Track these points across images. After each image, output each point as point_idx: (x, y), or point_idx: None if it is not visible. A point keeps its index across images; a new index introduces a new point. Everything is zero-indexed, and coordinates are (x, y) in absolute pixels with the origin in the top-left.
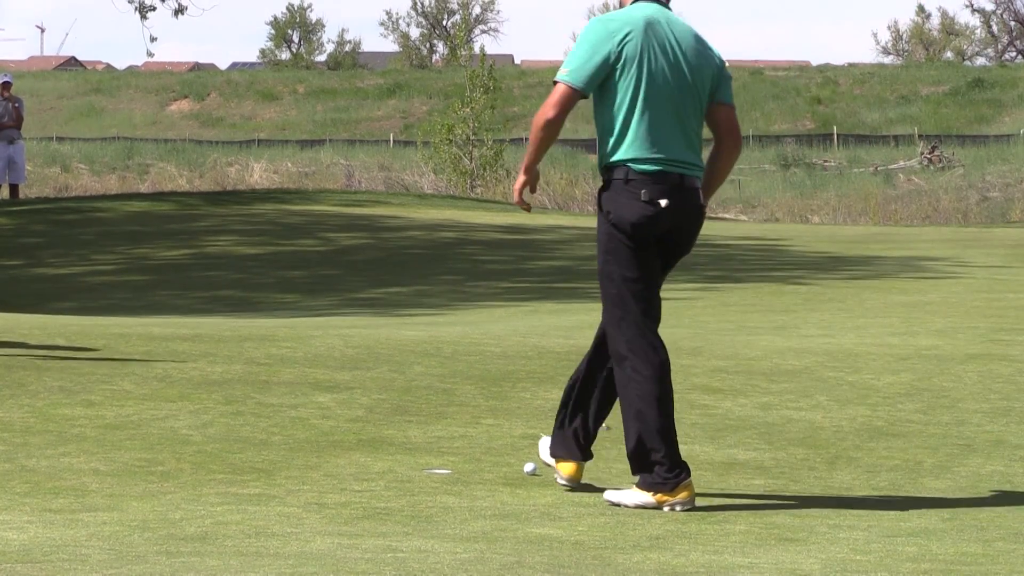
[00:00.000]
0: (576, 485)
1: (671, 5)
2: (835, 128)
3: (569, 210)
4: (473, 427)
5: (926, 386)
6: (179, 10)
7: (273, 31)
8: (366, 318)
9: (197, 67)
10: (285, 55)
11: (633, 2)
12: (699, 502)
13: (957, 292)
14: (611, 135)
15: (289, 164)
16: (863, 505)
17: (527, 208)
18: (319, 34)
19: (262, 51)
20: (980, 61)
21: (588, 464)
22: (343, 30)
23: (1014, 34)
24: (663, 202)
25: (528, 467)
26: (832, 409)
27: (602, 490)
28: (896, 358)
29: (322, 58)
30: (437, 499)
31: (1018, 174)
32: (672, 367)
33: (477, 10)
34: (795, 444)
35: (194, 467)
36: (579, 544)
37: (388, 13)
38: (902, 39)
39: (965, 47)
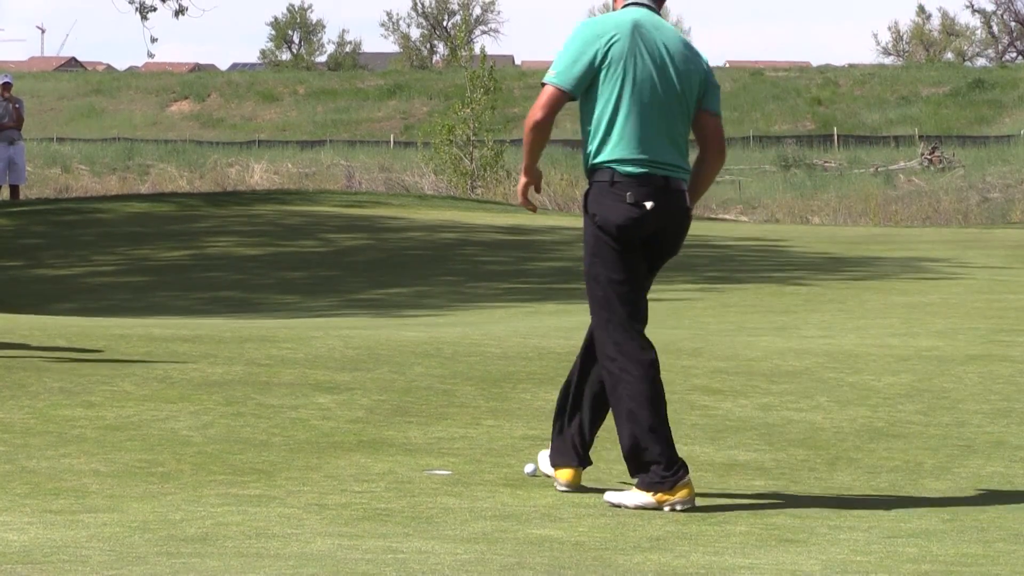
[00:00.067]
0: (576, 487)
1: (662, 11)
2: (835, 129)
3: (569, 211)
4: (473, 428)
5: (926, 387)
6: (179, 11)
7: (273, 32)
8: (366, 319)
9: (197, 68)
10: (286, 56)
11: (624, 6)
12: (700, 503)
13: (957, 293)
14: (596, 136)
15: (289, 165)
16: (863, 506)
17: (532, 209)
18: (319, 35)
19: (262, 52)
20: (980, 62)
21: (593, 463)
22: (343, 31)
23: (1014, 35)
24: (648, 204)
25: (528, 468)
26: (832, 410)
27: (602, 491)
28: (896, 359)
29: (322, 59)
30: (437, 500)
31: (1018, 175)
32: (672, 368)
33: (477, 11)
34: (795, 445)
35: (194, 468)
36: (579, 545)
37: (388, 14)
38: (902, 40)
39: (965, 48)
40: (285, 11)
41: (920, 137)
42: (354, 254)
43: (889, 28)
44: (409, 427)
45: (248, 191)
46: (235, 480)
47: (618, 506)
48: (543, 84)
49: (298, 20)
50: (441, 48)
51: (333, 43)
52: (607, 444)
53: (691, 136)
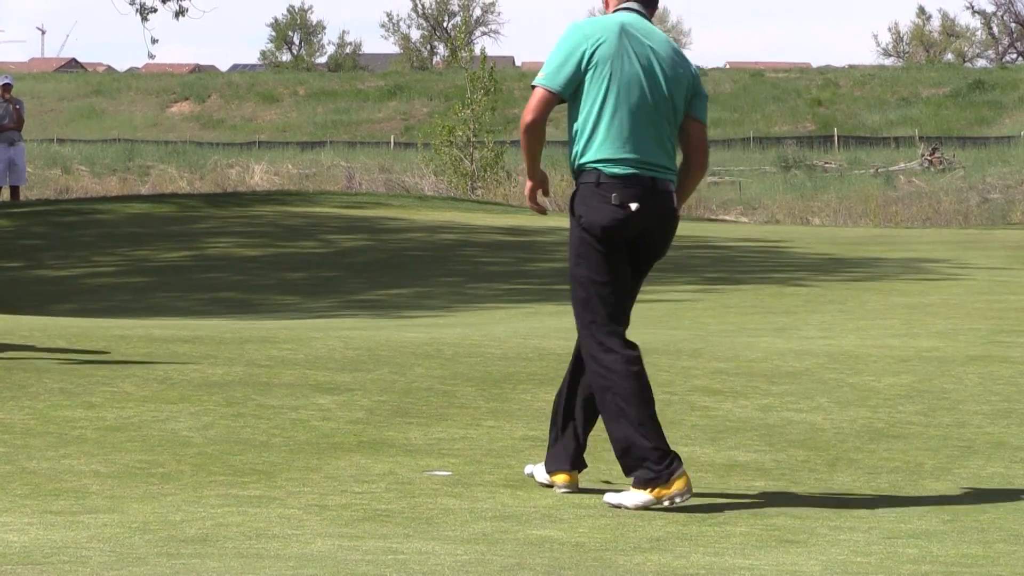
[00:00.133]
0: (575, 489)
1: (654, 19)
2: (836, 130)
3: None
4: (474, 429)
5: (927, 388)
6: (180, 12)
7: (274, 33)
8: (367, 320)
9: (198, 69)
10: (286, 57)
11: (615, 10)
12: (700, 503)
13: (958, 294)
14: (582, 136)
15: (290, 166)
16: (864, 507)
17: (542, 211)
18: (320, 36)
19: (263, 53)
20: (981, 63)
21: (589, 465)
22: (344, 32)
23: (1015, 36)
24: (633, 206)
25: (529, 469)
26: (833, 411)
27: (602, 492)
28: (897, 360)
29: (323, 60)
30: (438, 501)
31: (1019, 176)
32: (673, 369)
33: (478, 12)
34: (796, 446)
35: (195, 469)
36: (580, 546)
37: (389, 15)
38: (903, 41)
39: (966, 49)
40: (285, 12)
41: (920, 138)
42: (354, 255)
43: (889, 29)
44: (409, 428)
45: (248, 192)
46: (235, 481)
47: (618, 507)
48: (533, 87)
49: (298, 21)
50: (441, 49)
51: (333, 44)
52: (606, 446)
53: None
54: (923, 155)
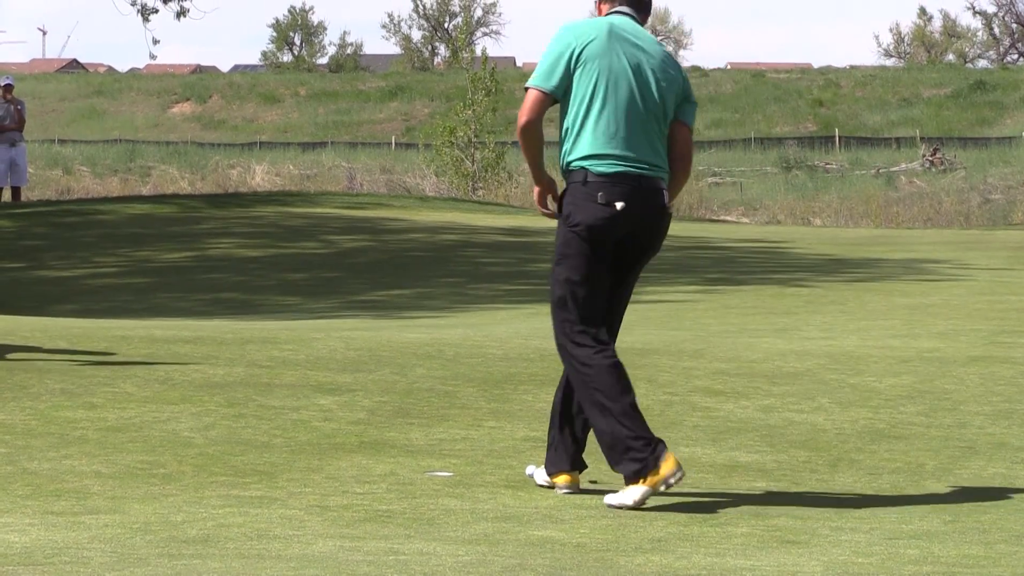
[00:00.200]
0: (576, 489)
1: (647, 24)
2: (837, 130)
3: None
4: (475, 429)
5: (928, 388)
6: (181, 12)
7: (275, 33)
8: (368, 320)
9: (199, 69)
10: (287, 57)
11: (607, 14)
12: (701, 504)
13: (959, 294)
14: (571, 134)
15: (291, 166)
16: (865, 507)
17: (553, 216)
18: (321, 36)
19: (264, 53)
20: (982, 63)
21: (589, 466)
22: (345, 32)
23: (1016, 36)
24: (619, 205)
25: (530, 469)
26: (834, 411)
27: (603, 492)
28: (898, 360)
29: (324, 60)
30: (439, 502)
31: (1020, 176)
32: (674, 369)
33: (479, 12)
34: (797, 446)
35: (196, 469)
36: (581, 546)
37: (390, 15)
38: (904, 41)
39: (967, 49)
40: (286, 13)
41: (921, 139)
42: (355, 256)
43: (890, 30)
44: (410, 428)
45: (249, 193)
46: (236, 482)
47: (619, 507)
48: (526, 89)
49: (299, 22)
50: (442, 50)
51: (334, 45)
52: None
53: None
54: (924, 156)
